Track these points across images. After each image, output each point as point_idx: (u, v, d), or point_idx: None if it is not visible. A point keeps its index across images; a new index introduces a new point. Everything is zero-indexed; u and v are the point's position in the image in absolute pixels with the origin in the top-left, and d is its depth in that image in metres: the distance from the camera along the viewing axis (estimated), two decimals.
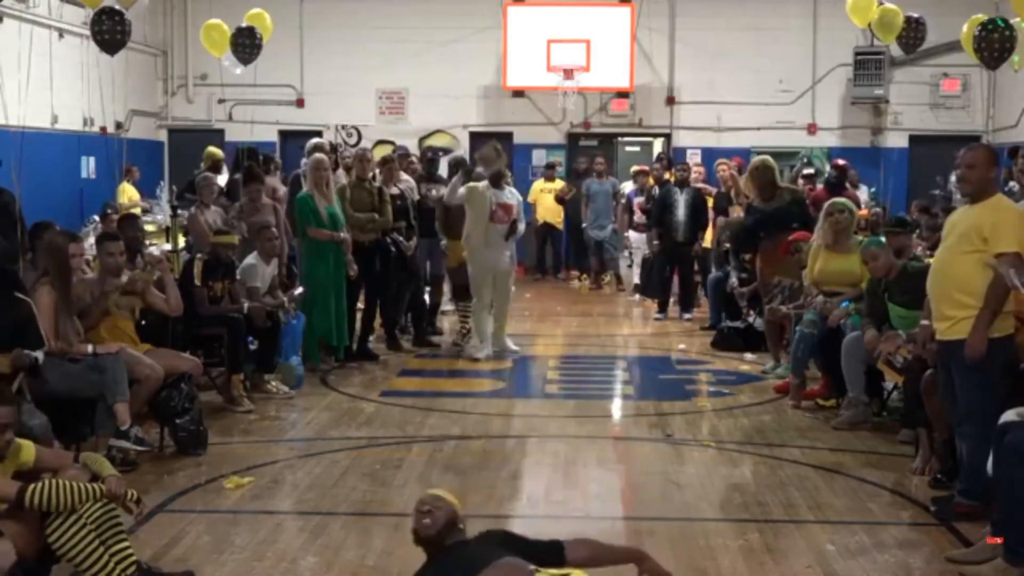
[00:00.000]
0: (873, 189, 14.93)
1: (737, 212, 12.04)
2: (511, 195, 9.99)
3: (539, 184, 16.48)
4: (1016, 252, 5.20)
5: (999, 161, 5.69)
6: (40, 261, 6.60)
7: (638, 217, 14.37)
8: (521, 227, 10.12)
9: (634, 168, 15.27)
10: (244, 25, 13.13)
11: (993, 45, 10.93)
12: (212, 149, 13.66)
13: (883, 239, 7.41)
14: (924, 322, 5.96)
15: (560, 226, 16.49)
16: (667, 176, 13.53)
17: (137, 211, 12.69)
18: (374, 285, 9.96)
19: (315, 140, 11.35)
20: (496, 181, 9.83)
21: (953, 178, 14.64)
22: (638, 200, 14.48)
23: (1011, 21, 11.06)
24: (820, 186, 12.24)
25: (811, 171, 13.86)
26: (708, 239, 12.85)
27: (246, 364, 8.09)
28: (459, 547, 3.92)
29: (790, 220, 9.17)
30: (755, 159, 9.92)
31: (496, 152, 9.93)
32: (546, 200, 16.21)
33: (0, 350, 5.61)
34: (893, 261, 7.10)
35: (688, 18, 17.53)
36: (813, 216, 9.03)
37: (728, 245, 11.63)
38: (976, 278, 5.30)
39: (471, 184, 9.94)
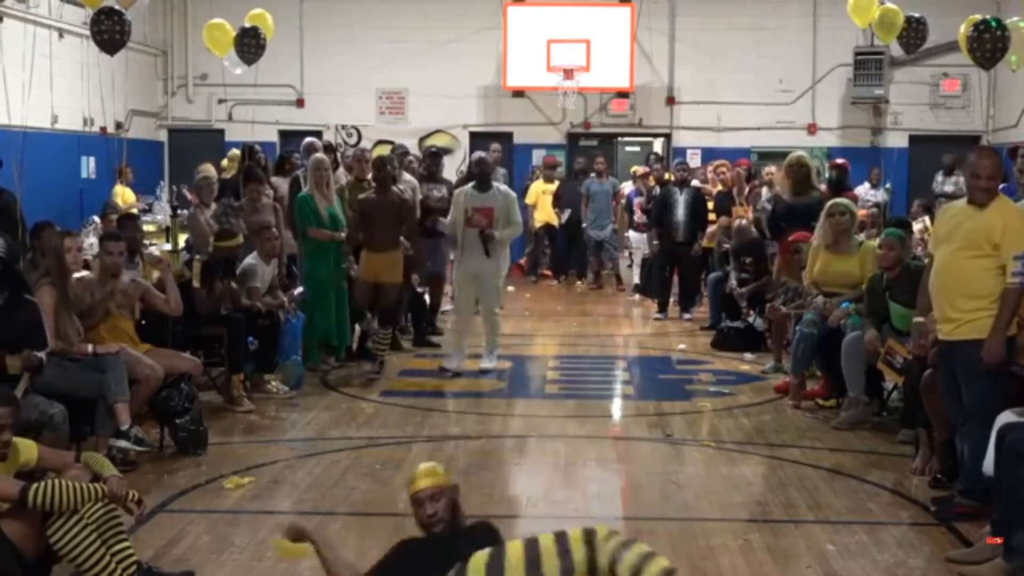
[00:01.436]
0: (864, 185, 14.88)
1: (740, 213, 12.05)
2: (495, 197, 9.27)
3: (540, 185, 16.37)
4: None
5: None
6: (40, 261, 6.62)
7: (638, 217, 14.39)
8: (501, 233, 9.22)
9: (636, 169, 15.28)
10: (248, 25, 13.09)
11: (985, 46, 10.94)
12: (236, 152, 13.50)
13: (902, 233, 7.38)
14: (918, 319, 5.95)
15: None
16: (666, 176, 13.54)
17: (135, 211, 12.64)
18: None
19: (309, 139, 11.16)
20: (483, 183, 9.35)
21: (951, 178, 14.73)
22: (638, 200, 14.49)
23: (1010, 21, 11.06)
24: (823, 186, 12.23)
25: None
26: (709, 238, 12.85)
27: (246, 364, 8.09)
28: (463, 536, 3.82)
29: (814, 219, 9.07)
30: (792, 155, 9.91)
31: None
32: (546, 201, 16.17)
33: (10, 350, 5.65)
34: (904, 259, 7.11)
35: (688, 18, 17.52)
36: None
37: (727, 246, 11.64)
38: (984, 282, 5.31)
39: (457, 191, 9.72)
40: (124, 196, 14.13)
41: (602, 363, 10.41)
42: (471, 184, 9.49)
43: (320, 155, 9.59)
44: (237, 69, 13.38)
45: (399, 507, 5.78)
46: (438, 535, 3.88)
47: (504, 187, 9.71)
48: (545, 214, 16.14)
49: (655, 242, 12.83)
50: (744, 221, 11.34)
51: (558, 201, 15.86)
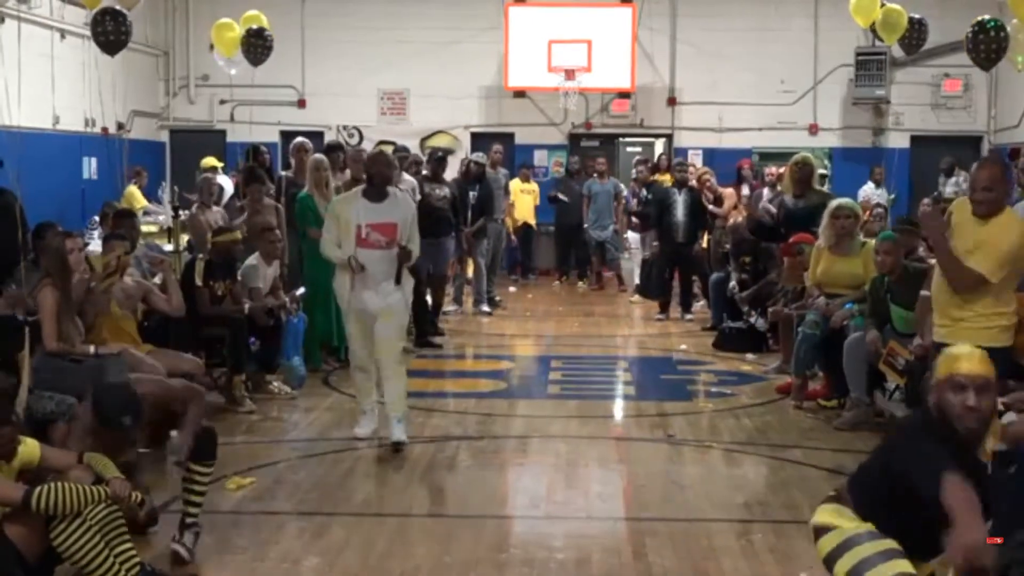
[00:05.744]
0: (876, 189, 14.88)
1: (739, 215, 12.05)
2: (397, 208, 6.89)
3: (517, 184, 16.01)
4: (981, 275, 5.21)
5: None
6: (42, 262, 6.61)
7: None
8: (411, 251, 6.90)
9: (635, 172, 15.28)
10: (255, 27, 13.06)
11: (979, 47, 10.95)
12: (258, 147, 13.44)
13: (895, 235, 7.37)
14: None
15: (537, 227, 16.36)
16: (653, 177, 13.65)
17: (137, 209, 12.62)
18: None
19: (300, 139, 10.81)
20: (378, 192, 6.88)
21: (952, 179, 14.75)
22: (632, 202, 14.51)
23: (1012, 23, 11.06)
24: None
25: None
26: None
27: (248, 364, 8.09)
28: None
29: (814, 223, 9.02)
30: (797, 155, 9.79)
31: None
32: (523, 201, 16.01)
33: None
34: (901, 260, 7.10)
35: (689, 18, 17.53)
36: None
37: (727, 247, 11.64)
38: (979, 293, 5.30)
39: (337, 197, 7.58)
40: (139, 200, 13.96)
41: (604, 363, 10.41)
42: (359, 189, 7.12)
43: (319, 155, 9.58)
44: (232, 69, 13.39)
45: (401, 507, 5.80)
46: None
47: (402, 194, 7.38)
48: (522, 213, 16.04)
49: (655, 243, 12.83)
50: (740, 219, 11.37)
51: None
